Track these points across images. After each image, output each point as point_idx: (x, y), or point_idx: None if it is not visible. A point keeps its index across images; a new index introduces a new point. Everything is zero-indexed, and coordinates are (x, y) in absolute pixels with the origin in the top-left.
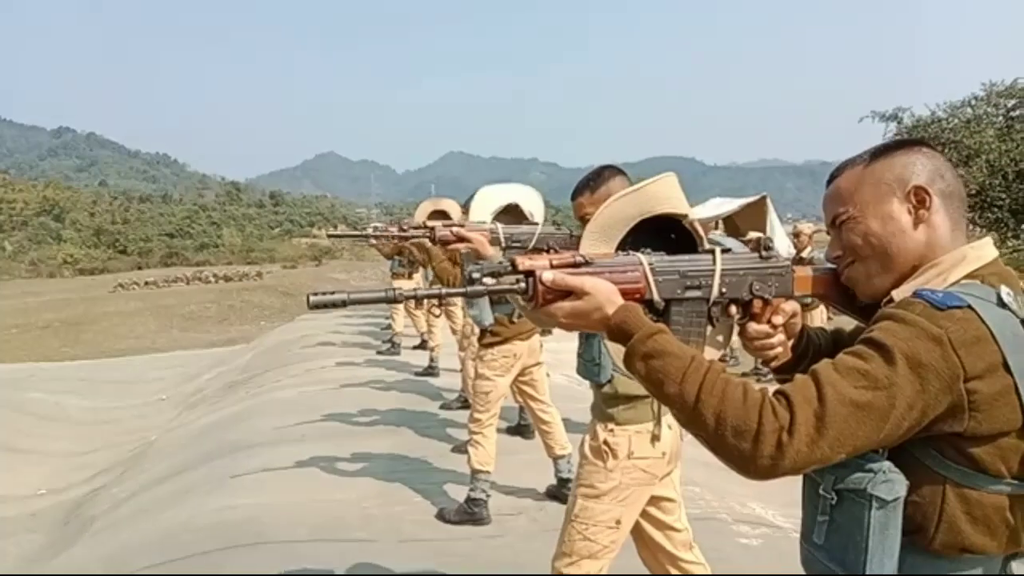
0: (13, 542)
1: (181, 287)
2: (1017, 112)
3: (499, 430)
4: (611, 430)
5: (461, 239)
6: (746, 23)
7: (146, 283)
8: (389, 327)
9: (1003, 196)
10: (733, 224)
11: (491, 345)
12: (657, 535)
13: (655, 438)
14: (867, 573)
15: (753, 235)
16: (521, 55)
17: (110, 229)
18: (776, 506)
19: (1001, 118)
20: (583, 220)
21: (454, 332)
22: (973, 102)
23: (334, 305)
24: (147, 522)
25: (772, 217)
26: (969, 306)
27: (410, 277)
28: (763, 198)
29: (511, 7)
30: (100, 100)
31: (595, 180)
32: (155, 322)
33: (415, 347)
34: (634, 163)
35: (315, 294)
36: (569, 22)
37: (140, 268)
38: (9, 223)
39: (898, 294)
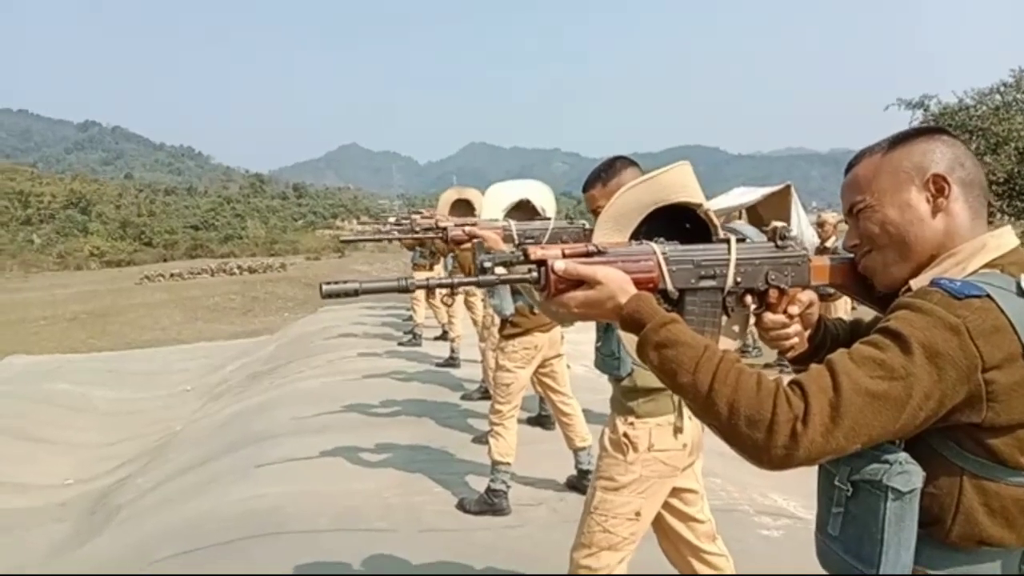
0: (41, 531)
1: (206, 279)
2: None
3: (519, 420)
4: (631, 423)
5: (474, 237)
6: (772, 10)
7: (171, 275)
8: (410, 318)
9: None
10: (757, 213)
11: (512, 336)
12: (679, 526)
13: (677, 430)
14: (882, 565)
15: (775, 224)
16: (545, 45)
17: (136, 221)
18: (798, 497)
19: None
20: (595, 212)
21: (475, 323)
22: (1002, 89)
23: (346, 294)
24: (172, 511)
25: (796, 206)
26: (988, 295)
27: (431, 268)
28: (787, 187)
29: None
30: (126, 94)
31: (607, 172)
32: (180, 314)
33: (436, 338)
34: (656, 153)
35: (328, 283)
36: (592, 10)
37: (165, 260)
38: (37, 216)
39: (916, 283)
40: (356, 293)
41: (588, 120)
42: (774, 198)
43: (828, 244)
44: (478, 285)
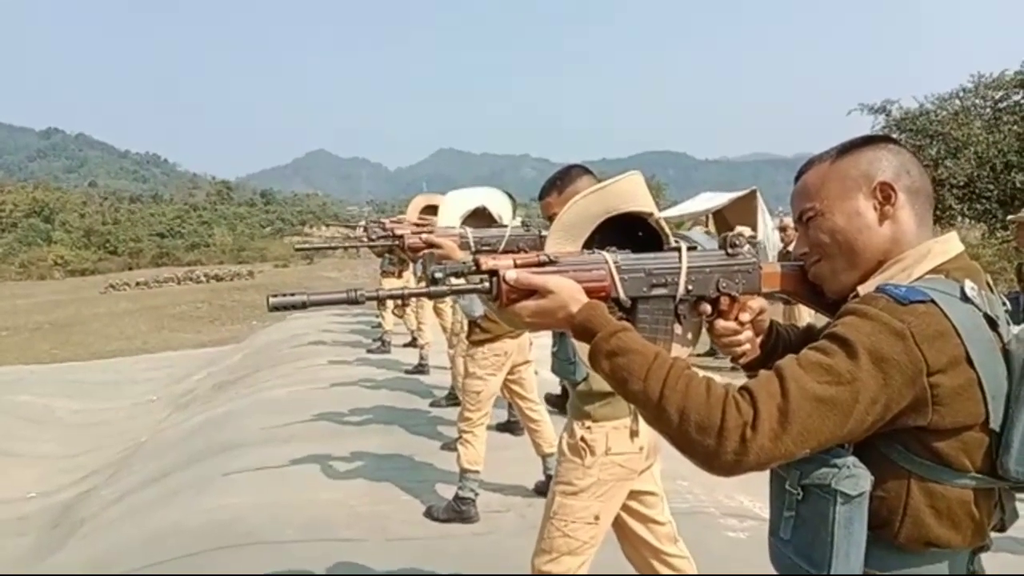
0: (2, 545)
1: (172, 287)
2: (1004, 103)
3: (488, 426)
4: (588, 427)
5: (431, 245)
6: (735, 17)
7: (137, 284)
8: (379, 325)
9: (991, 187)
10: (723, 218)
11: (481, 343)
12: (640, 529)
13: (633, 433)
14: (833, 567)
15: (740, 230)
16: (513, 51)
17: (100, 230)
18: (765, 499)
19: (989, 110)
20: (551, 220)
21: (444, 329)
22: (961, 94)
23: (294, 307)
24: (136, 524)
25: (762, 211)
26: (932, 300)
27: (400, 276)
28: (753, 192)
29: (502, 5)
30: (89, 100)
31: (562, 179)
32: (146, 323)
33: (405, 345)
34: (624, 159)
35: (275, 295)
36: (560, 19)
37: (131, 268)
38: None
39: (863, 289)
40: (304, 306)
41: (558, 126)
42: (740, 203)
43: (791, 249)
44: (429, 296)
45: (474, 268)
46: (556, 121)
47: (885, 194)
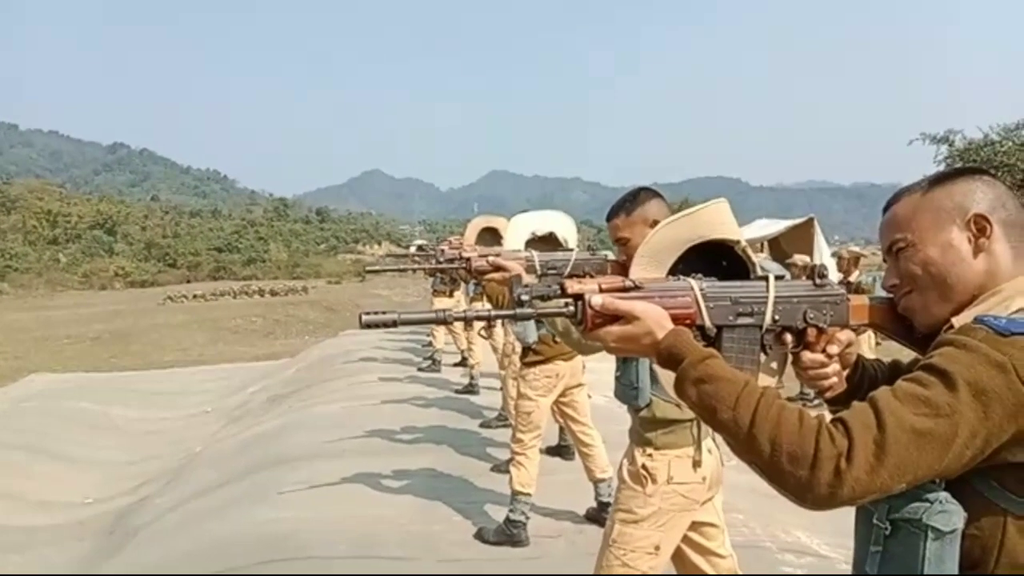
0: (60, 549)
1: (228, 301)
2: None
3: (539, 450)
4: (650, 455)
5: (498, 268)
6: (793, 43)
7: (194, 296)
8: (430, 344)
9: None
10: (779, 246)
11: (533, 364)
12: (700, 561)
13: (696, 463)
14: None
15: (798, 258)
16: (565, 74)
17: (160, 243)
18: (822, 535)
19: None
20: (618, 242)
21: (495, 350)
22: None
23: (385, 325)
24: (190, 534)
25: (819, 239)
26: None
27: (451, 295)
28: (810, 220)
29: (555, 26)
30: (154, 117)
31: (631, 202)
32: (202, 335)
33: (455, 364)
34: (677, 183)
35: (367, 313)
36: (613, 42)
37: (189, 281)
38: (64, 236)
39: (959, 321)
40: (395, 324)
41: (609, 149)
42: (797, 231)
43: (852, 279)
44: (515, 318)
45: (559, 292)
46: (607, 145)
47: (980, 226)
